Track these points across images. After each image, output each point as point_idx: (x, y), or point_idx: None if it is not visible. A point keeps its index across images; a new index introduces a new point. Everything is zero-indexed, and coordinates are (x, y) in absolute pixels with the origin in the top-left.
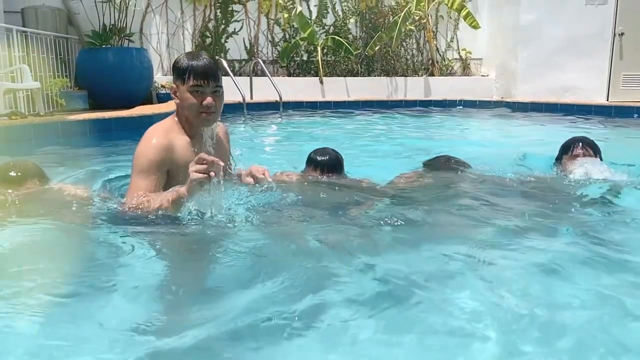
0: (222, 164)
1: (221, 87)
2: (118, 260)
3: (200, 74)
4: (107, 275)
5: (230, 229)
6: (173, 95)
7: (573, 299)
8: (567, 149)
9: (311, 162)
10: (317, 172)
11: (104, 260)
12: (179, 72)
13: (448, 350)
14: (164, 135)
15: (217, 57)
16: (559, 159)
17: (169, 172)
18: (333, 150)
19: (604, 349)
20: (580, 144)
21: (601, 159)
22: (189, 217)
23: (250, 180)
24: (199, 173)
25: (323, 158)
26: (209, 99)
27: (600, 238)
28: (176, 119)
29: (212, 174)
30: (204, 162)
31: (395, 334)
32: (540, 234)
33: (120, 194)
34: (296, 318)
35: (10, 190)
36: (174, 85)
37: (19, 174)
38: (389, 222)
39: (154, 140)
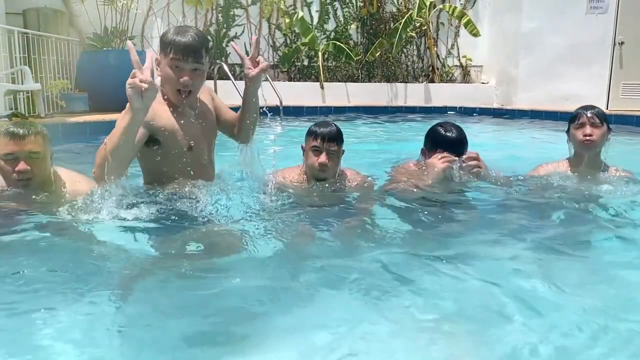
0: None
1: (202, 65)
2: (113, 258)
3: (181, 50)
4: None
5: (228, 229)
6: (157, 67)
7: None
8: (574, 119)
9: (311, 133)
10: (317, 141)
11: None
12: (162, 44)
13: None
14: None
15: (217, 61)
16: (568, 129)
17: (152, 139)
18: (333, 122)
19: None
20: (586, 112)
21: (609, 128)
22: (190, 219)
23: (253, 72)
24: (132, 87)
25: (324, 129)
26: (185, 77)
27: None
28: (159, 93)
29: (139, 81)
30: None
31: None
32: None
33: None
34: (293, 316)
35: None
36: (158, 57)
37: (23, 129)
38: (383, 226)
39: None
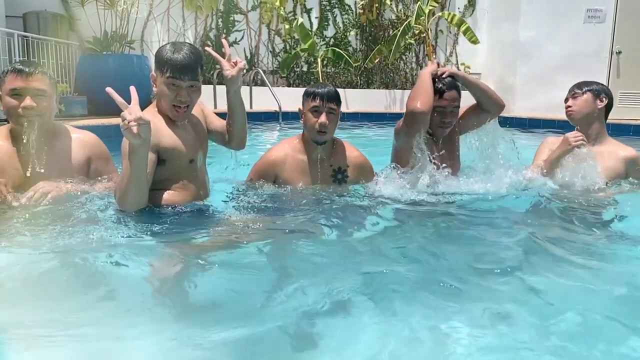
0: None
1: (198, 81)
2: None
3: (177, 69)
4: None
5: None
6: (152, 83)
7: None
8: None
9: (310, 94)
10: (316, 101)
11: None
12: (158, 62)
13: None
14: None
15: (216, 66)
16: None
17: (159, 158)
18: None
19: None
20: (571, 89)
21: (598, 97)
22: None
23: (232, 72)
24: (125, 128)
25: (323, 89)
26: (182, 95)
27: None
28: (155, 108)
29: (129, 123)
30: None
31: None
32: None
33: None
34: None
35: (17, 80)
36: (154, 74)
37: (30, 67)
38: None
39: None
